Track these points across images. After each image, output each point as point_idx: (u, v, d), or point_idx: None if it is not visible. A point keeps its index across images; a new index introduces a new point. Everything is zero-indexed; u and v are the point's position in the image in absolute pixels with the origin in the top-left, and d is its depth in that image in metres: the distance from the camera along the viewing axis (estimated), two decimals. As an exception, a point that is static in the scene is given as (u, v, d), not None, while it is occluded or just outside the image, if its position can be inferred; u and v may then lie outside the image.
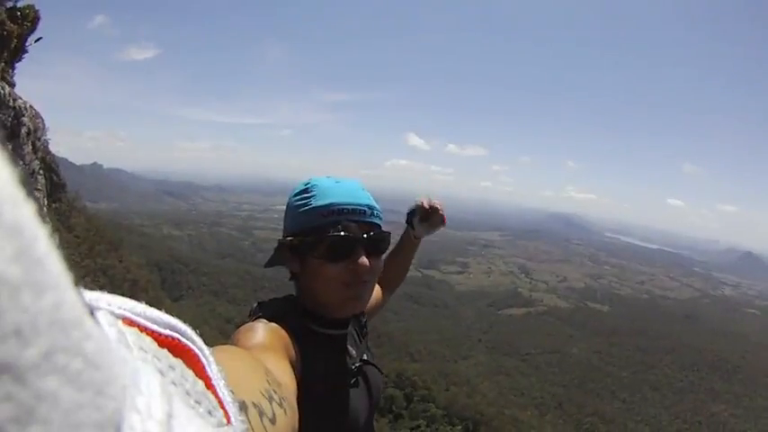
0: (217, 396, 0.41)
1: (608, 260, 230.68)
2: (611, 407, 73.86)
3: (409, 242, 2.15)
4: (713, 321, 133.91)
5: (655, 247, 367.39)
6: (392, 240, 1.61)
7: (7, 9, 12.97)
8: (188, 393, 0.34)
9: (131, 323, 0.34)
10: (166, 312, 0.40)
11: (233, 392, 0.44)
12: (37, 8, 13.84)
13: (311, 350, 1.34)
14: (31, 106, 13.87)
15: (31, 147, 14.27)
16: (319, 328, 1.46)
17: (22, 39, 13.62)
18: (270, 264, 1.54)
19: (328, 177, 1.51)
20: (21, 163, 13.22)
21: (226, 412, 0.41)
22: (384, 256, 1.52)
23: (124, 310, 0.35)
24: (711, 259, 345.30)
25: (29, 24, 13.61)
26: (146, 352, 0.33)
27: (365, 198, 1.47)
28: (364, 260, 1.40)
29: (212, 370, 0.42)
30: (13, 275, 0.32)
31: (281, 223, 1.55)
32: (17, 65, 14.02)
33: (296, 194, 1.48)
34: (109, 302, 0.34)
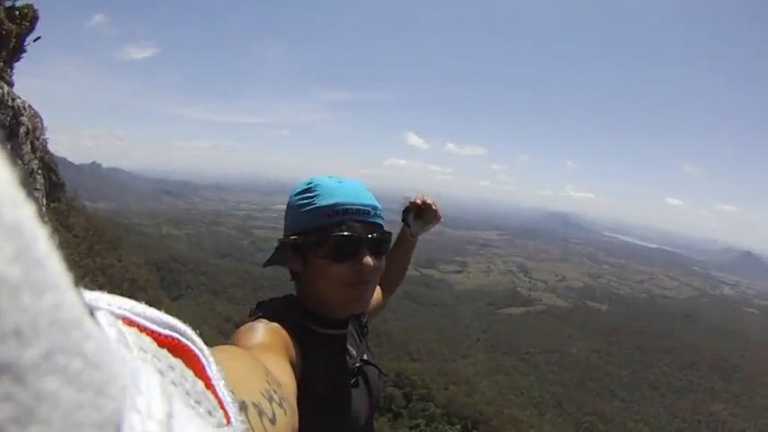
0: (217, 396, 0.41)
1: (607, 259, 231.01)
2: (610, 406, 73.85)
3: (406, 241, 2.14)
4: (712, 320, 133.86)
5: (654, 246, 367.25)
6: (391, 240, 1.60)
7: (6, 8, 12.95)
8: (188, 393, 0.34)
9: (131, 323, 0.34)
10: (165, 312, 0.40)
11: (233, 392, 0.44)
12: (35, 7, 13.82)
13: (311, 350, 1.33)
14: (29, 106, 13.86)
15: (29, 146, 14.26)
16: (319, 328, 1.45)
17: (21, 38, 13.61)
18: (269, 263, 1.54)
19: (331, 177, 1.50)
20: (19, 162, 13.18)
21: (226, 412, 0.41)
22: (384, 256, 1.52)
23: (124, 310, 0.35)
24: (710, 258, 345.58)
25: (27, 24, 13.59)
26: (145, 352, 0.33)
27: (369, 198, 1.48)
28: (369, 260, 1.40)
29: (212, 370, 0.42)
30: (13, 276, 0.32)
31: (281, 222, 1.55)
32: (16, 64, 14.00)
33: (298, 194, 1.48)
34: (109, 302, 0.34)
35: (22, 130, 13.39)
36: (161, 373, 0.33)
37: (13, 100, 12.82)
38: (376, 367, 1.64)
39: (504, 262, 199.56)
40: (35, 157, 14.99)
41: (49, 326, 0.32)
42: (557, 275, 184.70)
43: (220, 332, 42.07)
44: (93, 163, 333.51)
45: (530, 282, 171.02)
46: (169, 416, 0.33)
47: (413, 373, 51.35)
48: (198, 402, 0.35)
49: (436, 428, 45.19)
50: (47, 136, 16.56)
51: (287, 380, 1.08)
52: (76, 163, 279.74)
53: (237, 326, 1.31)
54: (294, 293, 1.56)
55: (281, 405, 0.81)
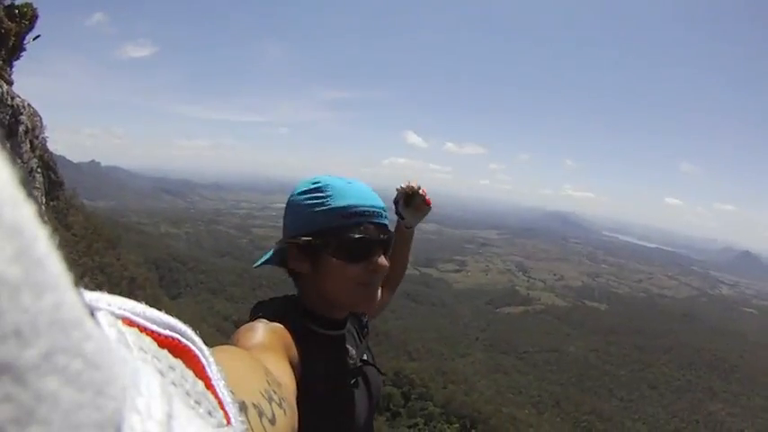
0: (217, 396, 0.41)
1: (606, 259, 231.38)
2: (608, 405, 74.02)
3: (402, 234, 2.12)
4: (711, 320, 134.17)
5: (653, 245, 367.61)
6: None
7: (5, 7, 12.95)
8: (188, 394, 0.35)
9: (131, 323, 0.35)
10: (164, 310, 0.40)
11: (232, 393, 0.44)
12: (35, 6, 13.82)
13: (311, 350, 1.33)
14: (28, 104, 13.86)
15: (29, 145, 14.27)
16: (319, 329, 1.46)
17: (20, 37, 13.61)
18: (265, 263, 1.54)
19: (338, 177, 1.50)
20: (19, 161, 13.22)
21: (226, 413, 0.41)
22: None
23: (124, 310, 0.35)
24: (709, 258, 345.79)
25: (27, 22, 13.59)
26: (146, 352, 0.33)
27: (378, 200, 1.49)
28: (383, 261, 1.44)
29: (212, 370, 0.43)
30: (13, 276, 0.32)
31: (280, 221, 1.54)
32: (15, 63, 14.00)
33: (304, 193, 1.46)
34: (109, 303, 0.34)
35: (22, 128, 13.39)
36: (161, 373, 0.33)
37: (13, 98, 12.83)
38: (375, 367, 1.64)
39: (503, 261, 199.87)
40: (34, 156, 15.00)
41: (49, 326, 0.32)
42: (555, 275, 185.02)
43: (219, 331, 42.13)
44: (92, 161, 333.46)
45: (528, 281, 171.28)
46: (169, 416, 0.33)
47: (411, 372, 51.47)
48: (198, 403, 0.36)
49: (435, 427, 45.26)
50: (46, 134, 16.55)
51: (287, 380, 1.09)
52: (75, 161, 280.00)
53: (236, 324, 1.32)
54: (292, 293, 1.55)
55: (280, 405, 0.81)
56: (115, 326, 0.33)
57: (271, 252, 1.53)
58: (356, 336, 1.65)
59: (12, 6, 13.22)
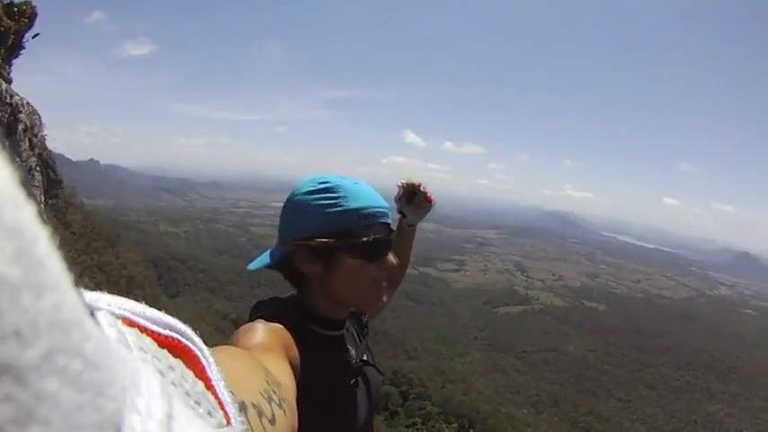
0: (217, 397, 0.41)
1: (604, 259, 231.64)
2: (606, 405, 74.15)
3: (404, 232, 2.12)
4: (709, 321, 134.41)
5: (651, 246, 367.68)
6: None
7: (4, 5, 12.94)
8: (188, 394, 0.35)
9: (131, 323, 0.35)
10: (163, 309, 0.40)
11: (232, 393, 0.44)
12: (34, 4, 13.80)
13: (311, 350, 1.33)
14: (27, 103, 13.85)
15: (28, 143, 14.26)
16: (319, 329, 1.46)
17: (19, 35, 13.59)
18: (269, 267, 1.51)
19: (343, 177, 1.50)
20: (18, 160, 13.22)
21: (225, 413, 0.41)
22: None
23: (124, 310, 0.35)
24: (708, 259, 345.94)
25: (26, 20, 13.56)
26: (146, 352, 0.33)
27: (383, 200, 1.51)
28: (393, 259, 1.48)
29: (212, 371, 0.43)
30: (13, 276, 0.32)
31: (279, 220, 1.53)
32: (14, 61, 13.99)
33: (312, 193, 1.45)
34: (109, 303, 0.34)
35: (21, 126, 13.39)
36: (161, 373, 0.33)
37: (12, 97, 12.82)
38: (375, 368, 1.64)
39: (502, 261, 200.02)
40: (33, 154, 14.99)
41: (49, 326, 0.32)
42: (554, 274, 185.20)
43: (218, 329, 42.05)
44: (91, 160, 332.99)
45: (527, 281, 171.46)
46: (169, 416, 0.33)
47: (410, 371, 51.50)
48: (198, 403, 0.36)
49: (433, 427, 45.29)
50: (45, 133, 16.55)
51: (286, 380, 1.09)
52: (74, 160, 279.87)
53: (235, 323, 1.34)
54: (291, 293, 1.56)
55: (280, 406, 0.81)
56: (115, 326, 0.33)
57: (267, 254, 1.52)
58: (356, 336, 1.65)
59: (11, 4, 13.20)
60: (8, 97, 12.60)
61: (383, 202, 1.50)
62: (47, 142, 17.84)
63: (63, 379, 0.32)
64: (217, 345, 0.92)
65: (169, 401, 0.33)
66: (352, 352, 1.55)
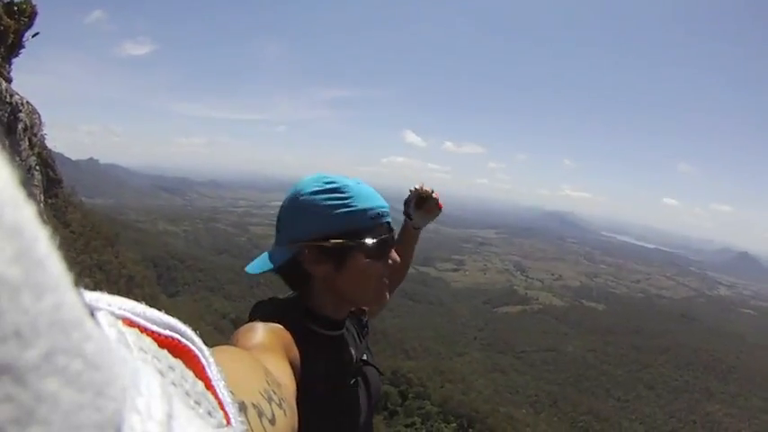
0: (217, 397, 0.41)
1: (604, 259, 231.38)
2: (605, 405, 74.07)
3: (409, 233, 2.16)
4: (709, 321, 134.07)
5: (651, 246, 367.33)
6: None
7: (4, 4, 12.93)
8: (188, 394, 0.35)
9: (131, 324, 0.35)
10: (162, 309, 0.40)
11: (232, 393, 0.44)
12: (34, 3, 13.80)
13: (311, 350, 1.33)
14: (27, 102, 13.84)
15: (27, 142, 14.25)
16: (319, 329, 1.46)
17: (19, 34, 13.58)
18: (273, 271, 1.51)
19: (346, 177, 1.51)
20: (17, 159, 13.23)
21: (225, 413, 0.41)
22: None
23: (124, 310, 0.35)
24: (707, 259, 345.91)
25: (26, 19, 13.54)
26: (146, 352, 0.33)
27: (384, 200, 1.54)
28: (396, 256, 1.52)
29: (212, 371, 0.43)
30: (13, 276, 0.32)
31: (278, 221, 1.54)
32: (14, 60, 13.98)
33: (319, 193, 1.44)
34: (109, 303, 0.34)
35: (21, 126, 13.38)
36: (161, 373, 0.33)
37: (12, 96, 12.81)
38: (375, 368, 1.65)
39: (501, 260, 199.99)
40: (33, 154, 14.98)
41: (49, 327, 0.32)
42: (553, 274, 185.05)
43: (217, 329, 41.99)
44: (91, 159, 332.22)
45: (526, 280, 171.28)
46: (169, 416, 0.32)
47: (409, 371, 51.37)
48: (198, 403, 0.36)
49: (432, 426, 45.23)
50: (44, 132, 16.53)
51: (286, 380, 1.08)
52: (74, 159, 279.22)
53: (234, 323, 1.32)
54: (290, 293, 1.57)
55: (280, 406, 0.81)
56: (115, 326, 0.33)
57: (266, 257, 1.52)
58: (356, 336, 1.66)
59: (11, 3, 13.20)
60: (8, 96, 12.60)
61: (384, 202, 1.51)
62: (46, 141, 17.83)
63: (63, 379, 0.32)
64: (216, 344, 0.91)
65: (169, 401, 0.33)
66: (353, 352, 1.55)
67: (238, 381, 0.73)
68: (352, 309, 1.64)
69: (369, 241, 1.42)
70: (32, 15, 13.81)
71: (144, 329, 0.36)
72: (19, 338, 0.32)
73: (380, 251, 1.46)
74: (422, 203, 2.08)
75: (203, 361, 0.42)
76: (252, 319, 1.34)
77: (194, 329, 0.43)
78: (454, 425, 45.22)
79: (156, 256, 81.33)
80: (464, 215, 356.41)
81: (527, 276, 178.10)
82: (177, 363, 0.36)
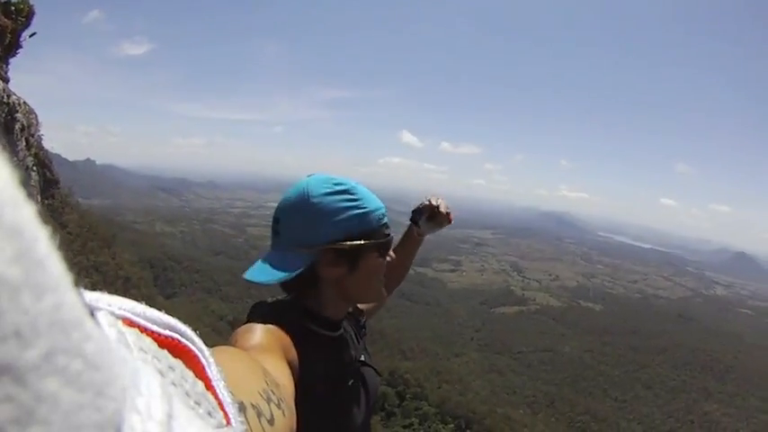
0: (216, 397, 0.41)
1: (601, 259, 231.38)
2: (603, 405, 74.26)
3: (412, 239, 2.17)
4: (706, 321, 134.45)
5: (648, 246, 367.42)
6: None
7: (1, 4, 12.90)
8: (188, 394, 0.35)
9: (131, 324, 0.35)
10: (160, 310, 0.40)
11: (231, 393, 0.45)
12: (31, 2, 13.76)
13: (310, 351, 1.33)
14: (24, 102, 13.79)
15: (24, 143, 14.18)
16: (318, 329, 1.47)
17: (17, 34, 13.53)
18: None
19: (348, 179, 1.52)
20: (15, 159, 13.18)
21: (225, 413, 0.41)
22: None
23: (124, 310, 0.35)
24: (704, 259, 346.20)
25: (23, 19, 13.44)
26: (146, 353, 0.33)
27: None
28: (393, 254, 1.57)
29: (212, 371, 0.43)
30: (13, 277, 0.32)
31: (281, 225, 1.49)
32: (11, 60, 13.94)
33: (330, 194, 1.44)
34: (109, 303, 0.34)
35: (18, 126, 13.33)
36: (161, 373, 0.33)
37: (9, 96, 12.76)
38: (373, 368, 1.66)
39: (498, 261, 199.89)
40: (30, 154, 14.89)
41: (49, 327, 0.32)
42: (550, 275, 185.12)
43: (214, 330, 41.98)
44: (88, 160, 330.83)
45: (523, 281, 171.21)
46: (169, 416, 0.32)
47: (406, 371, 51.53)
48: (198, 403, 0.36)
49: (429, 427, 45.36)
50: (41, 132, 16.44)
51: (285, 381, 1.09)
52: (71, 159, 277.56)
53: (231, 324, 1.31)
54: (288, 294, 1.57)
55: (279, 406, 0.81)
56: (115, 326, 0.33)
57: (267, 265, 1.46)
58: (354, 336, 1.67)
59: (8, 3, 13.15)
60: (5, 96, 12.55)
61: (382, 203, 1.54)
62: (43, 142, 17.74)
63: (63, 379, 0.32)
64: (213, 345, 0.86)
65: (169, 402, 0.33)
66: (351, 352, 1.57)
67: (237, 381, 0.73)
68: (350, 309, 1.66)
69: (381, 241, 1.48)
70: (30, 15, 13.72)
71: (144, 329, 0.36)
72: (19, 338, 0.32)
73: (386, 251, 1.51)
74: (434, 216, 2.10)
75: (203, 361, 0.42)
76: (250, 320, 1.34)
77: (194, 331, 0.43)
78: (452, 426, 45.38)
79: (153, 258, 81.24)
80: (461, 216, 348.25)
81: (524, 277, 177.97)
82: (177, 363, 0.36)
